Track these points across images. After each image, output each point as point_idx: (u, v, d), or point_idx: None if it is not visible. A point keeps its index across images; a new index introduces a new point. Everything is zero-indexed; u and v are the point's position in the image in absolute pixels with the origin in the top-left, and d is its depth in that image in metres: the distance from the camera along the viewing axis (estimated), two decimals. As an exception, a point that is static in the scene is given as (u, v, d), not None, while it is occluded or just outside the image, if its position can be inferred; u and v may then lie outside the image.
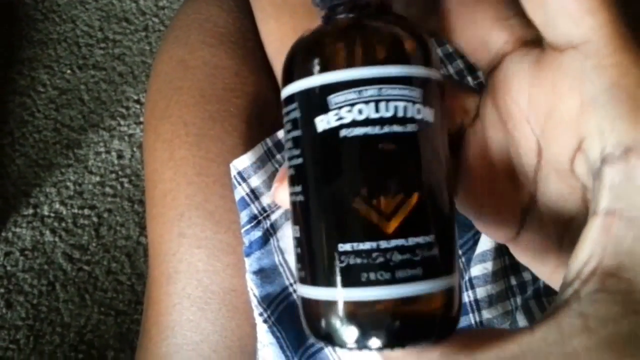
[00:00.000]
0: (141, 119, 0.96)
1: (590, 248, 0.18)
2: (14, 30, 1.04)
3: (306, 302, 0.20)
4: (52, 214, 0.90)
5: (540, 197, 0.22)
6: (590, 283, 0.17)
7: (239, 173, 0.39)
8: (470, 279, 0.39)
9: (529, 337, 0.17)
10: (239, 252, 0.41)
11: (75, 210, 0.91)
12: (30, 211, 0.91)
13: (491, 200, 0.23)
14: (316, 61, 0.20)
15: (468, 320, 0.39)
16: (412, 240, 0.19)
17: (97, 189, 0.92)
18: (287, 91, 0.21)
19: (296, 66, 0.20)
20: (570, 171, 0.20)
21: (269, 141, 0.40)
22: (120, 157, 0.94)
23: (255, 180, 0.39)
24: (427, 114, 0.20)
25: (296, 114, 0.20)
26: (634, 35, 0.18)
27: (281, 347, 0.39)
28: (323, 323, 0.20)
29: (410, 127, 0.19)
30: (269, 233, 0.39)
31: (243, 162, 0.39)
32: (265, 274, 0.39)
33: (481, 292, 0.39)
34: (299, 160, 0.20)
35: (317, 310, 0.20)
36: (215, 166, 0.42)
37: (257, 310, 0.39)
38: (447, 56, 0.42)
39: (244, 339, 0.41)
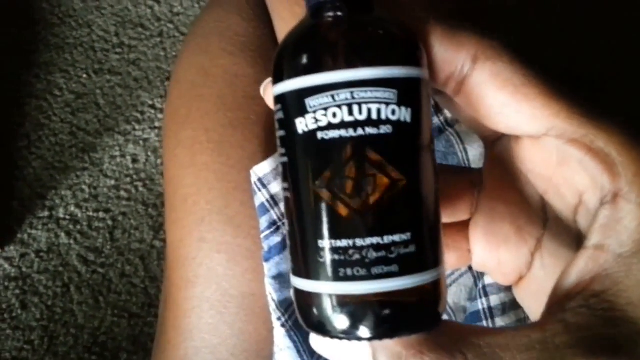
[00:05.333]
0: (156, 124, 0.97)
1: (578, 274, 0.21)
2: (31, 34, 1.05)
3: (298, 293, 0.21)
4: (68, 217, 0.91)
5: (545, 244, 0.25)
6: (575, 301, 0.20)
7: (259, 179, 0.40)
8: (484, 287, 0.39)
9: (514, 332, 0.20)
10: (258, 257, 0.41)
11: (90, 213, 0.91)
12: (46, 213, 0.92)
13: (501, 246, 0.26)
14: (295, 65, 0.20)
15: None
16: (387, 239, 0.20)
17: (112, 192, 0.93)
18: (273, 92, 0.22)
19: (279, 69, 0.21)
20: (574, 222, 0.23)
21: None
22: (135, 161, 0.95)
23: (276, 187, 0.40)
24: (403, 114, 0.20)
25: (281, 115, 0.21)
26: (588, 109, 0.21)
27: (298, 352, 0.40)
28: (313, 314, 0.20)
29: (384, 129, 0.20)
30: (288, 239, 0.40)
31: (263, 168, 0.40)
32: (283, 279, 0.40)
33: (495, 300, 0.39)
34: (285, 159, 0.21)
35: (307, 302, 0.21)
36: (235, 172, 0.42)
37: (275, 314, 0.40)
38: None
39: (261, 342, 0.42)
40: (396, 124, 0.20)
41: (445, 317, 0.39)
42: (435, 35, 0.21)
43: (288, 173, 0.21)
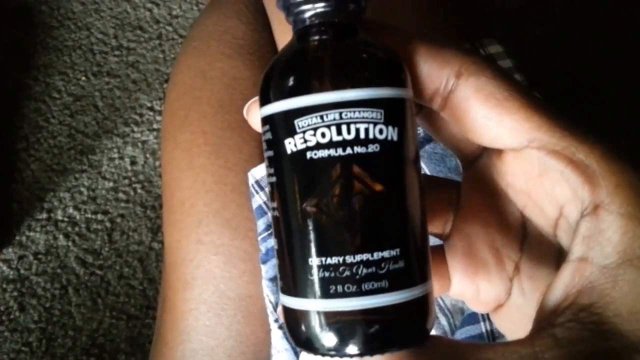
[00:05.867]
0: (154, 126, 0.97)
1: (564, 287, 0.20)
2: (30, 37, 1.05)
3: (286, 310, 0.22)
4: (66, 219, 0.91)
5: (523, 268, 0.25)
6: (564, 315, 0.20)
7: (257, 182, 0.40)
8: (481, 289, 0.40)
9: (503, 347, 0.19)
10: (255, 259, 0.41)
11: (89, 215, 0.92)
12: (44, 215, 0.92)
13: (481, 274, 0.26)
14: (284, 87, 0.21)
15: (479, 328, 0.39)
16: (377, 255, 0.20)
17: (111, 194, 0.93)
18: (261, 114, 0.22)
19: (267, 91, 0.21)
20: (554, 237, 0.23)
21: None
22: (133, 163, 0.95)
23: (273, 189, 0.40)
24: (390, 133, 0.20)
25: (269, 136, 0.21)
26: (569, 122, 0.21)
27: (295, 353, 0.40)
28: (303, 332, 0.21)
29: (372, 148, 0.20)
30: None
31: (261, 171, 0.40)
32: (280, 281, 0.40)
33: (492, 301, 0.39)
34: (274, 179, 0.21)
35: (295, 319, 0.21)
36: (233, 175, 0.42)
37: (272, 316, 0.40)
38: None
39: (259, 344, 0.42)
40: (383, 143, 0.20)
41: (443, 319, 0.39)
42: (419, 54, 0.22)
43: (277, 193, 0.21)
